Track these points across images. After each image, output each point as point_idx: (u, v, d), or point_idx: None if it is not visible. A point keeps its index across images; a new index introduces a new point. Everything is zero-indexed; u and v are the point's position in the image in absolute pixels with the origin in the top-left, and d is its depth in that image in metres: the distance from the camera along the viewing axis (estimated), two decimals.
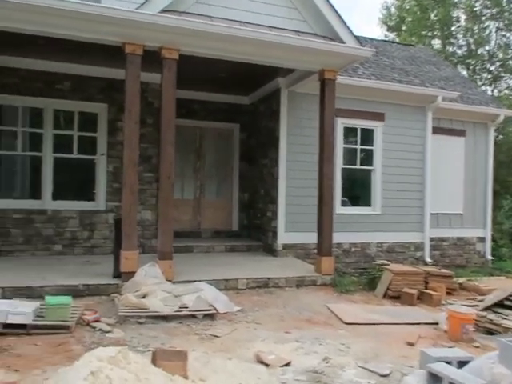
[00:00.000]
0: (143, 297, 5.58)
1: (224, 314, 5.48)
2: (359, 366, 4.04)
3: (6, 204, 7.85)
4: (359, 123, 9.33)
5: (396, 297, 6.77)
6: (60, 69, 8.09)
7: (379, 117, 9.44)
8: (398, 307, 6.44)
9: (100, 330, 4.66)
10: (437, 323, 5.60)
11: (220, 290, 6.38)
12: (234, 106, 10.40)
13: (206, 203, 10.26)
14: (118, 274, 6.28)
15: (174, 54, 6.47)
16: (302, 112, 8.88)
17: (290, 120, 8.83)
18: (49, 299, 4.69)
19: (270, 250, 8.96)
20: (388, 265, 7.50)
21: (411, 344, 4.80)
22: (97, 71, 8.24)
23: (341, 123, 9.12)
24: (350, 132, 9.42)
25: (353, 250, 9.17)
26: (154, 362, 3.32)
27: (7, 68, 7.79)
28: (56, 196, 8.15)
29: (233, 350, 4.32)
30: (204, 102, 10.12)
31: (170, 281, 6.24)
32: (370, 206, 9.50)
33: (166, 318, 5.15)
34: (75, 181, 8.63)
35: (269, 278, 6.84)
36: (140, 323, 5.01)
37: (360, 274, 8.41)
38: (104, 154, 8.36)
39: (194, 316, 5.30)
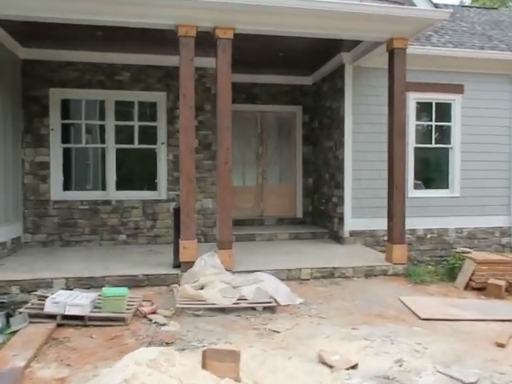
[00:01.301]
0: (201, 288, 5.38)
1: (285, 306, 5.13)
2: (438, 372, 3.50)
3: (73, 195, 8.07)
4: (434, 97, 8.44)
5: (480, 288, 6.01)
6: (119, 60, 8.09)
7: (457, 89, 8.48)
8: (482, 301, 5.71)
9: (155, 322, 4.51)
10: None
11: (282, 280, 6.04)
12: (295, 87, 9.92)
13: (269, 190, 9.93)
14: (177, 264, 6.15)
15: (228, 33, 6.14)
16: (368, 89, 8.20)
17: (356, 98, 8.19)
18: (105, 291, 4.61)
19: (336, 238, 8.45)
20: (470, 252, 6.72)
21: (501, 345, 4.14)
22: (154, 60, 8.14)
23: (413, 98, 8.31)
24: (423, 107, 8.58)
25: (428, 236, 8.39)
26: (203, 362, 3.05)
27: (68, 62, 7.93)
28: (119, 186, 8.24)
29: (293, 347, 3.96)
30: (265, 85, 9.74)
31: (229, 271, 6.01)
32: (447, 188, 8.62)
33: (223, 311, 4.90)
34: (137, 171, 8.68)
35: (334, 268, 6.38)
36: (197, 316, 4.80)
37: (437, 262, 7.68)
38: (164, 142, 8.30)
39: (253, 308, 5.00)
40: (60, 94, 7.96)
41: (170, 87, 8.24)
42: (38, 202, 7.89)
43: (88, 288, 5.74)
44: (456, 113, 8.51)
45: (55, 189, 7.95)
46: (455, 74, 8.43)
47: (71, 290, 5.25)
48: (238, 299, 5.07)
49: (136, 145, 8.29)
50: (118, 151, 8.21)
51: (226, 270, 5.98)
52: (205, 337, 4.18)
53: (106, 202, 8.11)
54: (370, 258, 6.95)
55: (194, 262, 5.90)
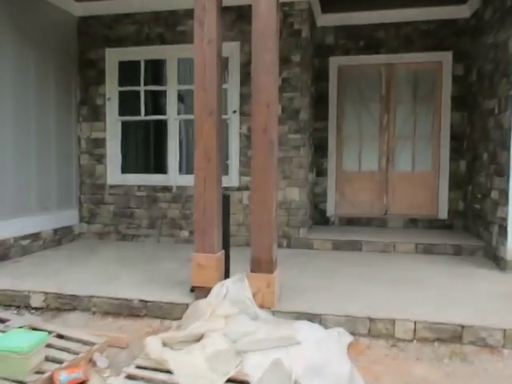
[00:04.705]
0: (199, 339, 3.16)
1: None
2: None
3: (131, 179, 6.57)
4: None
5: None
6: (180, 4, 6.20)
7: None
8: None
9: None
10: None
11: (356, 335, 3.44)
12: (443, 23, 6.65)
13: (397, 177, 6.93)
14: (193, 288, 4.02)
15: None
16: None
17: None
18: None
19: (495, 258, 5.12)
20: None
21: None
22: None
23: None
24: None
25: None
26: None
27: (125, 14, 6.40)
28: (182, 169, 6.47)
29: None
30: (393, 26, 6.77)
31: (267, 308, 3.64)
32: None
33: None
34: None
35: (463, 327, 3.36)
36: None
37: None
38: (236, 110, 6.16)
39: None
40: (117, 54, 6.48)
41: (245, 34, 6.02)
42: (94, 186, 6.65)
43: (70, 310, 4.08)
44: None
45: (112, 171, 6.59)
46: None
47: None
48: (230, 381, 2.69)
49: None
50: (181, 124, 6.41)
51: (261, 306, 3.63)
52: None
53: (166, 189, 6.42)
54: None
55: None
